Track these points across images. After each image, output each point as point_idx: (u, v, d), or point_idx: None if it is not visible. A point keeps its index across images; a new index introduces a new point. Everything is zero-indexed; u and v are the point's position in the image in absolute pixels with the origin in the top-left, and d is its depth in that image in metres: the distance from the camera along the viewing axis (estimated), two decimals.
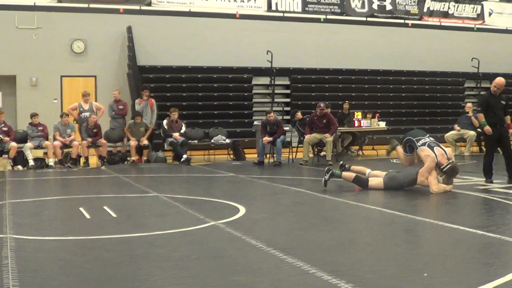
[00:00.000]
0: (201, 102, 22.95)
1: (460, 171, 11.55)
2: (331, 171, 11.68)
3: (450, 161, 11.15)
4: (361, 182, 11.66)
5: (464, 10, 29.11)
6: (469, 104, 22.52)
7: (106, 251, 6.73)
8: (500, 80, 12.56)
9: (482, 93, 27.72)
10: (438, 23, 28.48)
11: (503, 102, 12.66)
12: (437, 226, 8.12)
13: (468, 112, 21.68)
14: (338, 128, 18.67)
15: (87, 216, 8.98)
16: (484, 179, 12.49)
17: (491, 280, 5.28)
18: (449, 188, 11.10)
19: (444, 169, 11.01)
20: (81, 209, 9.46)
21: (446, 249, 6.86)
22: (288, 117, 22.98)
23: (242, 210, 9.30)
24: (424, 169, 11.07)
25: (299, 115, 19.46)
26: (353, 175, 11.85)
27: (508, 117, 12.79)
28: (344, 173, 11.88)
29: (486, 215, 9.45)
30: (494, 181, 12.26)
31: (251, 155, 19.47)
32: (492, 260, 6.37)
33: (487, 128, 12.26)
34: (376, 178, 11.71)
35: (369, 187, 11.53)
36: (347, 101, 21.73)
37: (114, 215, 9.07)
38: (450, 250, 6.76)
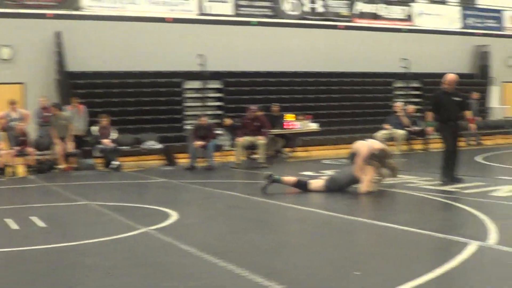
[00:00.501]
0: (132, 108, 22.71)
1: (391, 156, 11.74)
2: (270, 176, 11.67)
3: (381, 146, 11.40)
4: (302, 186, 11.69)
5: (393, 11, 29.52)
6: (398, 104, 22.92)
7: (35, 263, 6.60)
8: (449, 76, 12.58)
9: (411, 92, 28.46)
10: (368, 25, 28.83)
11: (458, 99, 12.60)
12: (370, 225, 8.27)
13: (397, 112, 22.06)
14: (270, 131, 18.77)
15: (15, 227, 8.79)
16: (441, 179, 12.46)
17: (422, 275, 5.42)
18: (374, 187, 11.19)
19: (376, 153, 11.16)
20: (7, 220, 9.24)
21: (379, 247, 7.00)
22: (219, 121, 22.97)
23: (175, 216, 9.26)
24: (358, 158, 11.20)
25: (227, 121, 19.55)
26: (294, 179, 11.89)
27: (467, 113, 13.05)
28: (284, 178, 11.88)
29: (417, 213, 9.60)
30: (424, 179, 12.49)
31: (183, 160, 19.38)
32: (424, 256, 6.54)
33: (429, 129, 12.47)
34: (318, 180, 11.78)
35: (310, 190, 11.56)
36: (277, 104, 21.84)
37: (42, 225, 8.90)
38: (383, 248, 6.89)
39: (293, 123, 20.55)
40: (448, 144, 12.46)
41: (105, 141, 18.33)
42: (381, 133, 21.51)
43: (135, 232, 8.01)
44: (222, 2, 25.39)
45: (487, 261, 6.09)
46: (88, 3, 23.32)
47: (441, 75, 27.52)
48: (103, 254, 6.91)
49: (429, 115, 12.78)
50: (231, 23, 25.66)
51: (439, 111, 12.57)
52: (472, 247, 6.51)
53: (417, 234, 7.44)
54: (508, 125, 27.15)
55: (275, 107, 21.36)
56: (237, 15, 25.75)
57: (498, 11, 32.67)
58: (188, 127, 21.05)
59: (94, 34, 23.18)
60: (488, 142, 25.86)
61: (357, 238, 7.84)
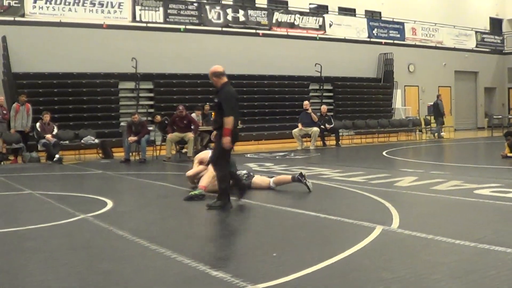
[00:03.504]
0: (71, 106, 22.50)
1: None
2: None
3: None
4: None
5: (308, 21, 29.94)
6: (305, 102, 23.19)
7: None
8: (210, 69, 9.29)
9: (324, 94, 28.92)
10: (286, 33, 29.15)
11: (216, 101, 9.07)
12: (286, 212, 8.33)
13: (307, 110, 22.35)
14: (199, 127, 18.89)
15: None
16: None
17: (332, 256, 5.52)
18: None
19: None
20: None
21: (294, 232, 7.02)
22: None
23: (110, 204, 9.20)
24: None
25: (158, 118, 19.57)
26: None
27: (225, 120, 8.60)
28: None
29: (329, 201, 9.68)
30: (336, 171, 12.62)
31: (119, 154, 19.32)
32: (333, 238, 6.65)
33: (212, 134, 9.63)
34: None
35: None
36: (207, 103, 21.89)
37: None
38: (298, 233, 6.93)
39: None
40: None
41: (48, 136, 18.08)
42: (297, 130, 21.95)
43: (75, 219, 7.95)
44: (153, 10, 25.32)
45: (390, 243, 6.20)
46: (31, 10, 22.90)
47: (350, 79, 28.03)
48: (45, 238, 6.82)
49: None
50: (162, 29, 25.66)
51: None
52: (377, 231, 6.63)
53: (329, 220, 7.51)
54: (409, 124, 27.97)
55: (206, 106, 21.46)
56: (167, 22, 25.72)
57: (400, 23, 33.61)
58: (123, 123, 20.96)
59: (37, 39, 22.84)
60: (393, 138, 26.58)
61: (273, 223, 7.79)
